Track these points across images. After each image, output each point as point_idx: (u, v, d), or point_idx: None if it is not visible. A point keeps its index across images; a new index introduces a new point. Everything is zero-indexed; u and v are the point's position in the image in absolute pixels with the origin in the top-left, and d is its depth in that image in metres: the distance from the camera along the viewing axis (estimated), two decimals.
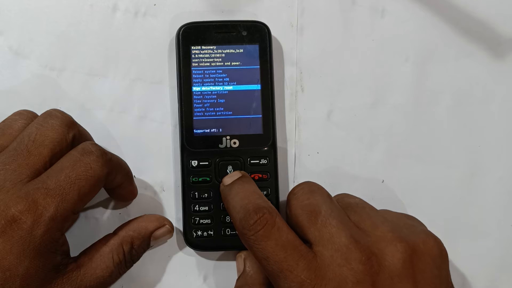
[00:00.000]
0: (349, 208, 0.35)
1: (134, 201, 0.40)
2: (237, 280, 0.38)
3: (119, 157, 0.36)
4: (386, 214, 0.35)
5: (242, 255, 0.38)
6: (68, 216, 0.32)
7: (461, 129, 0.42)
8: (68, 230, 0.34)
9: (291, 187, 0.40)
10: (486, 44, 0.43)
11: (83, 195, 0.33)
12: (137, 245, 0.36)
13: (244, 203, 0.34)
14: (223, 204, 0.38)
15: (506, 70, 0.43)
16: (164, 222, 0.38)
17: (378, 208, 0.37)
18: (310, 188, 0.35)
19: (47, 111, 0.35)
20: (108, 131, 0.40)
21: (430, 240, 0.33)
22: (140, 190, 0.40)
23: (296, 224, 0.34)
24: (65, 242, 0.33)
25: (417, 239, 0.33)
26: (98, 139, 0.40)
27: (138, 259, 0.37)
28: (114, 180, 0.36)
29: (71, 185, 0.32)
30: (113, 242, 0.35)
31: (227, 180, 0.37)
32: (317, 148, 0.41)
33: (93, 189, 0.33)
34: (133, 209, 0.40)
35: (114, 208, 0.40)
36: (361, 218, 0.34)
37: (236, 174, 0.37)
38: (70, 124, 0.35)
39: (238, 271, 0.38)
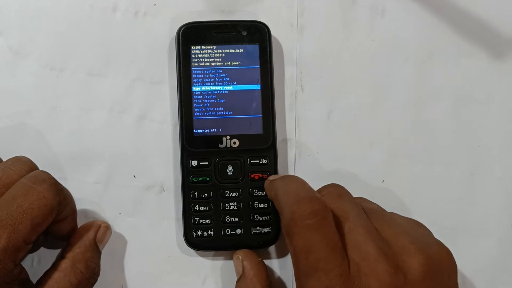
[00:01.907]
0: (368, 214, 0.34)
1: (135, 201, 0.40)
2: (237, 282, 0.37)
3: (67, 189, 0.36)
4: (398, 219, 0.35)
5: (240, 256, 0.38)
6: (21, 247, 0.31)
7: (461, 129, 0.42)
8: (22, 260, 0.33)
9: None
10: (486, 44, 0.43)
11: (36, 225, 0.32)
12: (89, 257, 0.35)
13: (299, 191, 0.33)
14: (223, 204, 0.38)
15: (506, 70, 0.43)
16: (98, 223, 0.37)
17: None
18: (338, 192, 0.35)
19: (16, 156, 0.36)
20: (108, 131, 0.40)
21: (444, 251, 0.33)
22: (140, 190, 0.40)
23: None
24: (22, 271, 0.33)
25: (433, 251, 0.32)
26: (98, 139, 0.40)
27: (99, 269, 0.36)
28: (62, 212, 0.35)
29: (24, 215, 0.31)
30: (65, 265, 0.34)
31: (273, 177, 0.37)
32: (317, 148, 0.41)
33: (46, 219, 0.32)
34: (133, 209, 0.40)
35: (112, 210, 0.40)
36: (382, 226, 0.33)
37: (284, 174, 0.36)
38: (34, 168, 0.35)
39: (237, 272, 0.38)
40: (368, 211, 0.35)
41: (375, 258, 0.31)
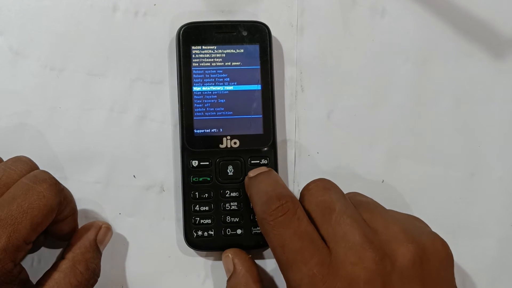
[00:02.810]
0: (361, 206, 0.35)
1: (135, 201, 0.40)
2: (229, 280, 0.37)
3: (68, 189, 0.36)
4: (395, 214, 0.35)
5: (229, 254, 0.38)
6: (20, 246, 0.31)
7: (461, 129, 0.42)
8: (22, 260, 0.33)
9: (291, 187, 0.41)
10: (486, 44, 0.43)
11: (36, 225, 0.32)
12: (90, 258, 0.35)
13: (268, 190, 0.34)
14: (223, 204, 0.38)
15: (506, 70, 0.43)
16: (99, 224, 0.37)
17: None
18: (325, 185, 0.35)
19: (16, 156, 0.36)
20: (108, 131, 0.40)
21: (438, 242, 0.33)
22: (140, 190, 0.40)
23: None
24: (22, 271, 0.33)
25: (426, 240, 0.33)
26: (98, 139, 0.40)
27: (99, 270, 0.36)
28: (62, 212, 0.35)
29: (23, 215, 0.31)
30: (65, 266, 0.34)
31: (253, 172, 0.37)
32: (317, 148, 0.41)
33: (46, 218, 0.32)
34: (133, 209, 0.40)
35: (112, 210, 0.40)
36: (373, 217, 0.34)
37: (263, 168, 0.37)
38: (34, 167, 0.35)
39: (227, 271, 0.38)
40: (360, 203, 0.35)
41: (361, 246, 0.31)
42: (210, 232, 0.38)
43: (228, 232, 0.38)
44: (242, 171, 0.39)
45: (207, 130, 0.39)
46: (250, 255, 0.38)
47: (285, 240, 0.32)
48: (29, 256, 0.39)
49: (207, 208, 0.38)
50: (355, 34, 0.42)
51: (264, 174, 0.37)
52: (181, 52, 0.39)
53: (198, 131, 0.39)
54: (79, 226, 0.38)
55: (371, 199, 0.37)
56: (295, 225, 0.32)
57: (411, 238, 0.32)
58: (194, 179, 0.38)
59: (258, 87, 0.39)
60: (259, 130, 0.39)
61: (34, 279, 0.34)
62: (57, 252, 0.38)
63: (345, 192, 0.36)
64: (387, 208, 0.37)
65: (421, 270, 0.32)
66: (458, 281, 0.40)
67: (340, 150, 0.42)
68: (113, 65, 0.41)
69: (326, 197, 0.34)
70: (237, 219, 0.38)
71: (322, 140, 0.42)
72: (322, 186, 0.35)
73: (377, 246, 0.32)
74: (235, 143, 0.39)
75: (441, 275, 0.32)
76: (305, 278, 0.31)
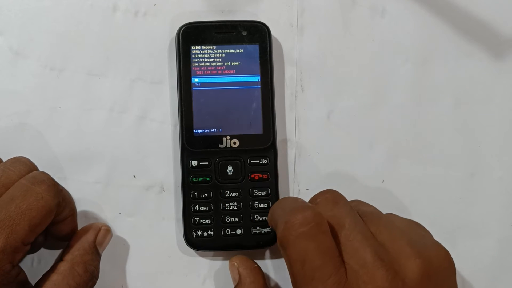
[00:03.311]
0: (365, 217, 0.34)
1: (135, 201, 0.40)
2: None
3: (67, 190, 0.36)
4: (396, 221, 0.35)
5: (235, 263, 0.38)
6: (19, 248, 0.31)
7: (461, 129, 0.42)
8: (20, 261, 0.33)
9: (291, 187, 0.40)
10: (486, 44, 0.43)
11: (34, 226, 0.32)
12: (88, 260, 0.35)
13: (292, 203, 0.33)
14: (223, 204, 0.38)
15: (506, 70, 0.43)
16: (98, 226, 0.37)
17: (379, 208, 0.37)
18: (334, 199, 0.34)
19: (15, 157, 0.35)
20: (108, 131, 0.40)
21: (442, 252, 0.33)
22: (140, 190, 0.40)
23: None
24: (20, 272, 0.33)
25: (431, 252, 0.32)
26: (98, 139, 0.40)
27: (98, 272, 0.36)
28: (61, 213, 0.35)
29: (22, 216, 0.31)
30: (64, 268, 0.34)
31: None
32: (317, 148, 0.41)
33: (44, 220, 0.32)
34: (133, 209, 0.40)
35: (112, 210, 0.40)
36: (379, 230, 0.33)
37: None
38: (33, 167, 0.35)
39: (233, 279, 0.38)
40: (364, 214, 0.34)
41: (372, 264, 0.31)
42: (209, 232, 0.38)
43: (228, 232, 0.38)
44: (241, 171, 0.39)
45: (206, 130, 0.39)
46: (256, 264, 0.38)
47: (306, 254, 0.31)
48: (29, 257, 0.39)
49: (206, 208, 0.38)
50: (355, 34, 0.42)
51: (286, 197, 0.36)
52: (181, 52, 0.39)
53: (198, 131, 0.39)
54: (79, 227, 0.38)
55: (374, 207, 0.36)
56: (319, 239, 0.31)
57: (418, 252, 0.31)
58: (193, 179, 0.38)
59: (258, 87, 0.39)
60: (259, 130, 0.39)
61: (33, 280, 0.34)
62: (57, 253, 0.38)
63: (347, 197, 0.35)
64: (387, 209, 0.37)
65: (429, 283, 0.31)
66: (458, 281, 0.40)
67: (340, 150, 0.42)
68: (113, 65, 0.41)
69: (335, 211, 0.33)
70: (236, 219, 0.38)
71: (322, 140, 0.42)
72: (331, 200, 0.34)
73: (387, 264, 0.31)
74: (234, 143, 0.39)
75: (446, 285, 0.32)
76: None
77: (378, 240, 0.33)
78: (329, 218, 0.33)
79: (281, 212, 0.33)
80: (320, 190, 0.36)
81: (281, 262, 0.40)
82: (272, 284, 0.40)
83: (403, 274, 0.31)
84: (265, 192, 0.38)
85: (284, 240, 0.32)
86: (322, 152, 0.41)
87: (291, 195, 0.41)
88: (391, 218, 0.35)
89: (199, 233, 0.38)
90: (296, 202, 0.34)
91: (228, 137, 0.39)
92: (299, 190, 0.41)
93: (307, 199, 0.35)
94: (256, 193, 0.39)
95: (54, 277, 0.34)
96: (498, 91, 0.43)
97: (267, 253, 0.40)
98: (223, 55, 0.39)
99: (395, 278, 0.31)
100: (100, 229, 0.37)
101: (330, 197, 0.34)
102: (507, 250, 0.42)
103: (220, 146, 0.39)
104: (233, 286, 0.38)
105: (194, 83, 0.39)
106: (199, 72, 0.39)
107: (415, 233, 0.34)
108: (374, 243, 0.32)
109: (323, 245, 0.31)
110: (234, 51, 0.39)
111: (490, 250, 0.42)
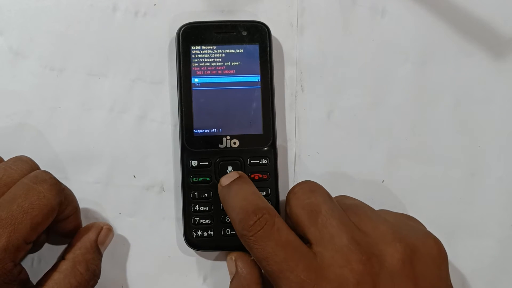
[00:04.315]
0: (349, 210, 0.35)
1: (135, 201, 0.40)
2: (231, 282, 0.37)
3: (69, 188, 0.36)
4: (386, 215, 0.35)
5: (233, 256, 0.38)
6: (20, 246, 0.31)
7: (461, 129, 0.42)
8: (22, 260, 0.33)
9: (291, 187, 0.40)
10: (486, 44, 0.43)
11: (36, 225, 0.32)
12: (90, 259, 0.35)
13: (243, 204, 0.34)
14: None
15: (506, 70, 0.43)
16: (100, 225, 0.37)
17: (378, 208, 0.37)
18: (311, 188, 0.35)
19: (17, 156, 0.36)
20: (108, 131, 0.40)
21: (429, 240, 0.33)
22: (140, 190, 0.40)
23: (296, 223, 0.34)
24: (22, 271, 0.33)
25: (416, 239, 0.33)
26: (98, 139, 0.40)
27: (100, 271, 0.36)
28: (64, 212, 0.35)
29: (24, 215, 0.31)
30: (65, 267, 0.34)
31: (225, 180, 0.37)
32: (317, 148, 0.41)
33: (46, 219, 0.33)
34: (133, 209, 0.40)
35: (112, 210, 0.40)
36: (361, 220, 0.34)
37: (234, 175, 0.37)
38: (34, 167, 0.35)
39: (230, 273, 0.38)
40: (348, 206, 0.35)
41: (347, 248, 0.32)
42: (209, 232, 0.38)
43: (228, 232, 0.38)
44: (242, 171, 0.39)
45: (206, 130, 0.39)
46: (252, 257, 0.38)
47: (268, 252, 0.32)
48: (29, 256, 0.39)
49: (206, 208, 0.38)
50: (355, 34, 0.42)
51: (237, 185, 0.36)
52: (180, 52, 0.39)
53: (198, 131, 0.39)
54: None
55: (359, 201, 0.37)
56: (275, 237, 0.32)
57: (399, 238, 0.32)
58: (193, 179, 0.38)
59: (258, 87, 0.39)
60: (259, 130, 0.39)
61: (34, 279, 0.34)
62: (58, 252, 0.38)
63: (333, 195, 0.36)
64: (387, 208, 0.37)
65: (412, 269, 0.32)
66: (458, 281, 0.40)
67: (340, 150, 0.42)
68: (113, 65, 0.41)
69: (312, 199, 0.34)
70: None
71: (322, 140, 0.42)
72: (307, 189, 0.35)
73: (364, 247, 0.32)
74: (234, 143, 0.39)
75: (434, 273, 0.32)
76: (294, 285, 0.31)
77: (361, 229, 0.33)
78: (306, 205, 0.34)
79: (234, 215, 0.34)
80: None
81: None
82: (267, 283, 0.40)
83: (381, 258, 0.32)
84: (265, 192, 0.38)
85: (245, 244, 0.34)
86: (322, 152, 0.41)
87: None
88: (379, 212, 0.36)
89: (199, 233, 0.38)
90: (246, 200, 0.34)
91: (228, 137, 0.39)
92: None
93: None
94: None
95: (56, 275, 0.34)
96: (498, 91, 0.43)
97: None
98: (223, 55, 0.39)
99: (370, 260, 0.31)
100: (102, 228, 0.37)
101: (307, 186, 0.35)
102: (507, 250, 0.42)
103: (220, 146, 0.39)
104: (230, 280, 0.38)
105: (194, 83, 0.39)
106: (199, 72, 0.39)
107: (403, 223, 0.35)
108: (351, 228, 0.33)
109: (281, 240, 0.32)
110: (234, 51, 0.39)
111: (490, 250, 0.42)
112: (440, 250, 0.33)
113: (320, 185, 0.36)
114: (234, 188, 0.36)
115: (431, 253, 0.33)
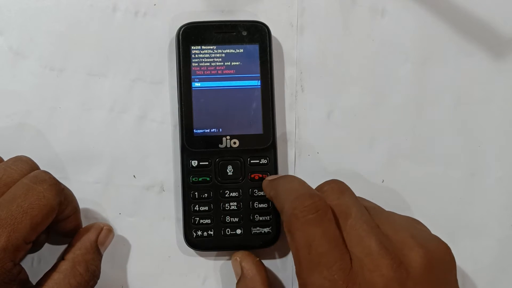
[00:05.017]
0: (368, 211, 0.34)
1: (135, 201, 0.40)
2: (237, 284, 0.37)
3: (69, 188, 0.36)
4: (397, 218, 0.35)
5: (238, 258, 0.38)
6: (20, 246, 0.31)
7: (461, 129, 0.42)
8: (22, 260, 0.33)
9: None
10: (486, 44, 0.43)
11: (36, 225, 0.32)
12: (90, 260, 0.35)
13: (300, 187, 0.34)
14: (223, 204, 0.38)
15: (506, 70, 0.43)
16: (100, 226, 0.37)
17: None
18: (340, 188, 0.35)
19: (17, 156, 0.36)
20: (108, 131, 0.40)
21: (442, 246, 0.33)
22: (140, 190, 0.40)
23: None
24: (22, 271, 0.33)
25: (432, 245, 0.32)
26: (98, 139, 0.40)
27: (99, 272, 0.36)
28: (64, 212, 0.35)
29: (23, 215, 0.31)
30: (65, 267, 0.34)
31: (271, 177, 0.37)
32: (317, 148, 0.41)
33: (45, 218, 0.33)
34: (133, 209, 0.40)
35: (112, 210, 0.40)
36: (382, 223, 0.33)
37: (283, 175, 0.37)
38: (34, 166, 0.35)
39: (236, 274, 0.38)
40: (367, 209, 0.35)
41: (378, 253, 0.31)
42: (209, 232, 0.38)
43: (228, 232, 0.38)
44: (241, 171, 0.39)
45: (206, 130, 0.39)
46: (258, 258, 0.38)
47: (313, 240, 0.31)
48: (29, 256, 0.39)
49: (206, 208, 0.38)
50: (355, 34, 0.42)
51: (290, 176, 0.36)
52: (180, 52, 0.39)
53: (198, 131, 0.39)
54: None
55: (375, 203, 0.36)
56: (325, 226, 0.32)
57: (420, 243, 0.32)
58: (193, 179, 0.38)
59: (258, 87, 0.39)
60: (259, 130, 0.39)
61: (34, 279, 0.34)
62: (58, 252, 0.38)
63: None
64: (387, 208, 0.37)
65: (432, 274, 0.31)
66: (458, 281, 0.40)
67: (340, 150, 0.42)
68: (113, 65, 0.41)
69: (341, 200, 0.33)
70: (236, 219, 0.38)
71: (322, 140, 0.42)
72: (337, 189, 0.34)
73: (392, 252, 0.31)
74: (234, 143, 0.39)
75: (447, 278, 0.32)
76: (326, 283, 0.30)
77: (383, 231, 0.33)
78: (335, 206, 0.33)
79: (288, 195, 0.34)
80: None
81: (282, 262, 0.40)
82: (272, 283, 0.40)
83: (407, 264, 0.31)
84: None
85: (292, 225, 0.32)
86: (322, 152, 0.41)
87: None
88: (392, 214, 0.35)
89: (199, 233, 0.38)
90: (303, 186, 0.34)
91: (228, 137, 0.39)
92: None
93: None
94: (256, 193, 0.39)
95: (56, 275, 0.34)
96: (498, 91, 0.43)
97: (267, 253, 0.40)
98: (223, 55, 0.39)
99: (400, 266, 0.31)
100: (102, 229, 0.37)
101: (336, 186, 0.35)
102: (507, 250, 0.42)
103: (220, 146, 0.39)
104: (236, 281, 0.38)
105: (194, 83, 0.39)
106: (199, 72, 0.39)
107: (415, 227, 0.34)
108: (379, 233, 0.32)
109: (329, 232, 0.32)
110: (234, 51, 0.39)
111: (490, 250, 0.42)
112: (450, 256, 0.33)
113: (348, 186, 0.35)
114: (290, 177, 0.36)
115: (444, 258, 0.32)
